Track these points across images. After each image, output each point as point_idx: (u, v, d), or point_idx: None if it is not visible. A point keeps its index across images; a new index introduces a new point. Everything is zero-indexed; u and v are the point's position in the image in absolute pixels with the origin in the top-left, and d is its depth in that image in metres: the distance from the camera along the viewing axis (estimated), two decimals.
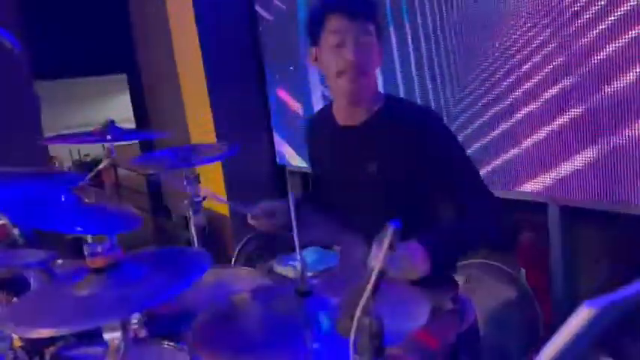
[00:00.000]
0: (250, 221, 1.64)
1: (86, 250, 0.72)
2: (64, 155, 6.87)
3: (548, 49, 1.83)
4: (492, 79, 2.05)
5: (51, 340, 0.86)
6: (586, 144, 1.78)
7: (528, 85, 1.93)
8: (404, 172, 1.39)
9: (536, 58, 1.88)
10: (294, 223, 0.91)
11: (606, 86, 1.69)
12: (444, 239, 1.31)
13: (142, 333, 0.73)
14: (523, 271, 2.21)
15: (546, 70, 1.85)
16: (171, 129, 4.49)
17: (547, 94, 1.87)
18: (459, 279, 2.63)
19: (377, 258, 0.54)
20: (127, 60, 5.14)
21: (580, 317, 0.56)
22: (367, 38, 1.35)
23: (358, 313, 0.52)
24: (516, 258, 2.27)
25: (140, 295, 0.69)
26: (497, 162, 2.10)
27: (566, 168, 1.87)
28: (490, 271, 2.28)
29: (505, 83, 2.01)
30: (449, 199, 1.40)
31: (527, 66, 1.91)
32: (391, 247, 0.53)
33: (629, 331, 0.66)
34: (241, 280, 1.87)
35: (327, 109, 1.55)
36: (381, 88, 1.57)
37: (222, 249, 3.78)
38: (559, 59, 1.80)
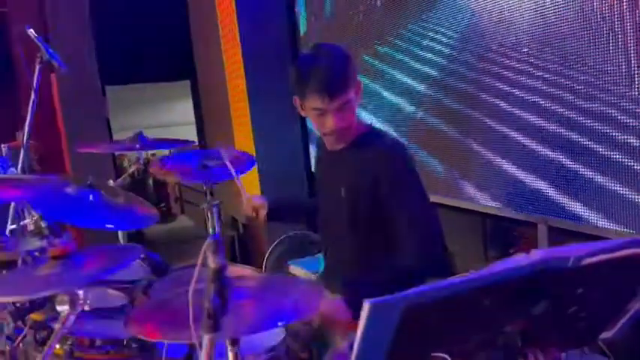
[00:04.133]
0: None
1: (48, 243, 0.97)
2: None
3: None
4: None
5: (30, 309, 1.13)
6: None
7: None
8: (365, 197, 1.56)
9: None
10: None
11: None
12: (367, 289, 1.48)
13: (87, 307, 0.97)
14: None
15: None
16: (220, 134, 4.83)
17: None
18: None
19: (210, 260, 0.74)
20: (190, 68, 5.55)
21: (362, 314, 0.73)
22: (347, 105, 1.51)
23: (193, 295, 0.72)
24: None
25: (83, 275, 0.94)
26: None
27: None
28: None
29: None
30: (394, 228, 1.53)
31: None
32: (215, 252, 0.73)
33: (459, 327, 0.81)
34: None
35: None
36: None
37: (257, 250, 4.04)
38: None
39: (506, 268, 0.77)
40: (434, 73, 2.41)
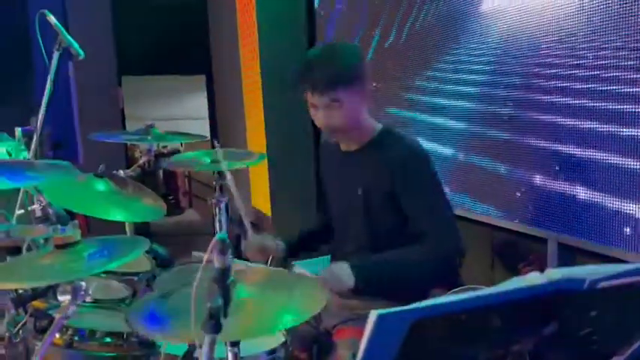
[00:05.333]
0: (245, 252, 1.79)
1: (53, 231, 0.96)
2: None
3: None
4: None
5: (33, 297, 1.12)
6: None
7: None
8: (383, 197, 1.55)
9: None
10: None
11: None
12: (375, 265, 1.48)
13: (88, 297, 0.96)
14: None
15: None
16: (233, 130, 4.83)
17: None
18: None
19: (215, 260, 0.72)
20: (206, 63, 5.56)
21: (368, 324, 0.71)
22: (334, 104, 1.50)
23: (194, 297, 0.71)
24: None
25: (86, 266, 0.93)
26: None
27: None
28: None
29: None
30: (414, 226, 1.54)
31: None
32: (222, 252, 0.72)
33: (467, 344, 0.79)
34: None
35: None
36: None
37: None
38: None
39: (519, 286, 0.75)
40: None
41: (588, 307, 0.79)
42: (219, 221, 2.51)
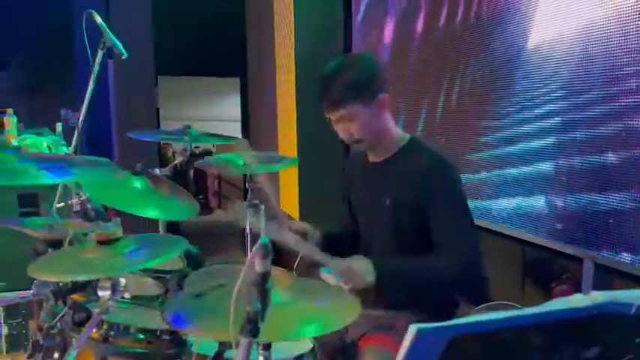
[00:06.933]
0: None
1: (96, 227, 0.98)
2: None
3: None
4: None
5: (73, 290, 1.14)
6: None
7: None
8: (410, 208, 1.55)
9: None
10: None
11: None
12: (396, 265, 1.49)
13: (127, 294, 0.98)
14: None
15: None
16: (264, 133, 4.87)
17: None
18: None
19: (257, 264, 0.73)
20: (241, 66, 5.63)
21: (407, 338, 0.70)
22: (349, 118, 1.53)
23: (236, 300, 0.71)
24: None
25: (127, 263, 0.94)
26: None
27: None
28: None
29: None
30: (435, 236, 1.54)
31: None
32: (264, 256, 0.72)
33: None
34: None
35: None
36: None
37: (289, 252, 4.02)
38: None
39: (561, 307, 0.73)
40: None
41: (634, 333, 0.77)
42: (249, 223, 2.52)
